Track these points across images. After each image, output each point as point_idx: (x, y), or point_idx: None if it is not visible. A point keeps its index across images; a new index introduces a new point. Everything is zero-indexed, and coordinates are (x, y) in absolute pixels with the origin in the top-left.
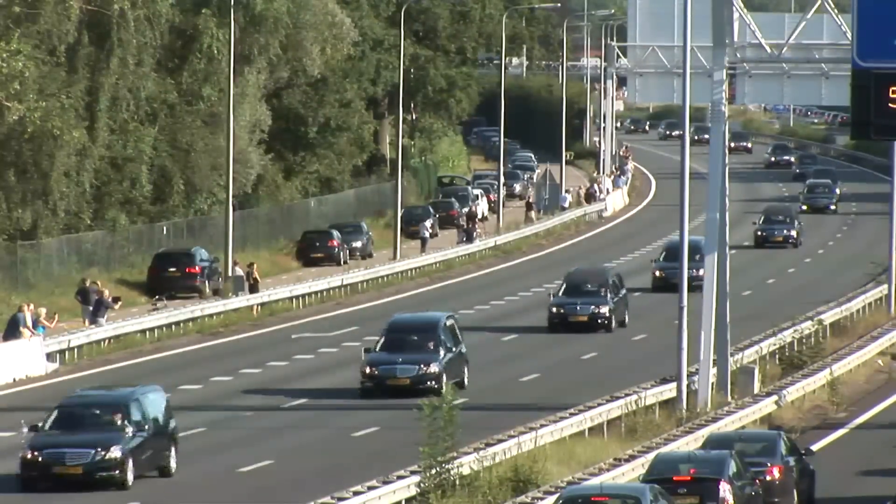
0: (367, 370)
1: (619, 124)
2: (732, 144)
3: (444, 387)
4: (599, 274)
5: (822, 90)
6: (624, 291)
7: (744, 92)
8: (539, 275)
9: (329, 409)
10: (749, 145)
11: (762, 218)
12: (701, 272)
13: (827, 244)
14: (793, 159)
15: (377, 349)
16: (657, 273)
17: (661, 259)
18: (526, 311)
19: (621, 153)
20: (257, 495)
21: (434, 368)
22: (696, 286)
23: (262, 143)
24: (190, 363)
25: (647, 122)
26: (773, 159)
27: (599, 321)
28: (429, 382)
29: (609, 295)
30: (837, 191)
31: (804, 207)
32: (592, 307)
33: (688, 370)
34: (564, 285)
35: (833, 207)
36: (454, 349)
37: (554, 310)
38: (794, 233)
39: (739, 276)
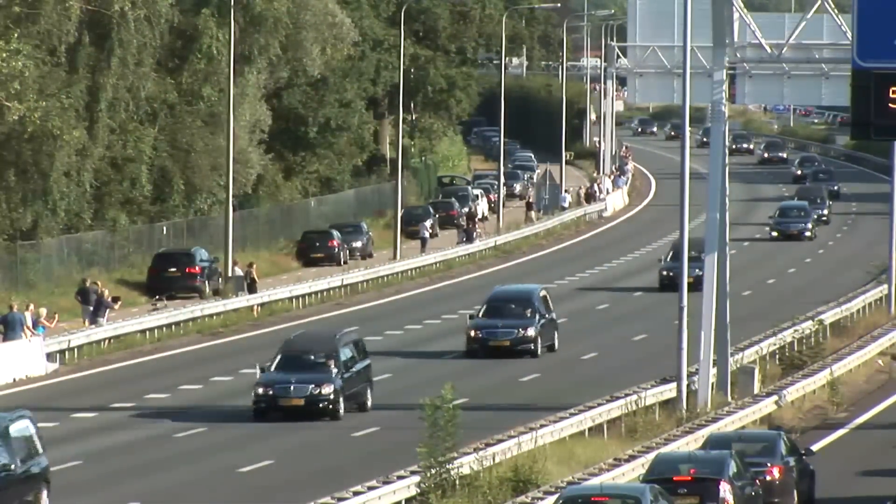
0: None
1: (654, 128)
2: (772, 154)
3: None
4: (326, 342)
5: (822, 90)
6: (366, 363)
7: (744, 92)
8: (539, 275)
9: None
10: (784, 155)
11: (670, 254)
12: (529, 332)
13: (827, 244)
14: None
15: None
16: (472, 333)
17: (478, 315)
18: None
19: (621, 153)
20: (257, 495)
21: None
22: (522, 350)
23: (262, 143)
24: (190, 363)
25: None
26: (798, 172)
27: (321, 405)
28: None
29: (335, 370)
30: (822, 212)
31: (774, 234)
32: (312, 386)
33: (688, 370)
34: (279, 357)
35: (808, 234)
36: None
37: (261, 391)
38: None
39: (740, 277)
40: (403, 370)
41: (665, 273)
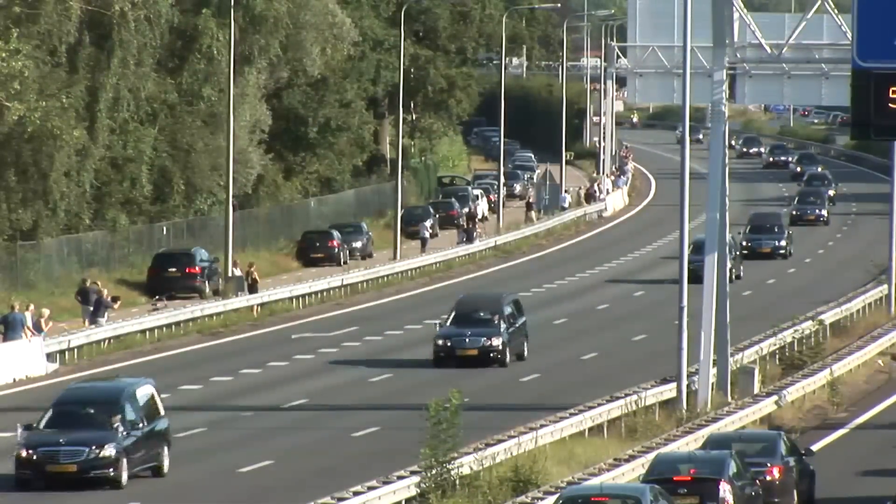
0: None
1: (732, 142)
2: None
3: None
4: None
5: (822, 90)
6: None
7: (744, 92)
8: (539, 275)
9: (329, 409)
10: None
11: (451, 316)
12: (107, 451)
13: (827, 244)
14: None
15: None
16: (24, 454)
17: (38, 424)
18: (526, 311)
19: (621, 153)
20: (257, 495)
21: None
22: (96, 478)
23: (262, 143)
24: (190, 363)
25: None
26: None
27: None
28: None
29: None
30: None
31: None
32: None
33: (688, 370)
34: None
35: (737, 277)
36: None
37: (440, 342)
38: (498, 343)
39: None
40: (403, 370)
41: (441, 343)
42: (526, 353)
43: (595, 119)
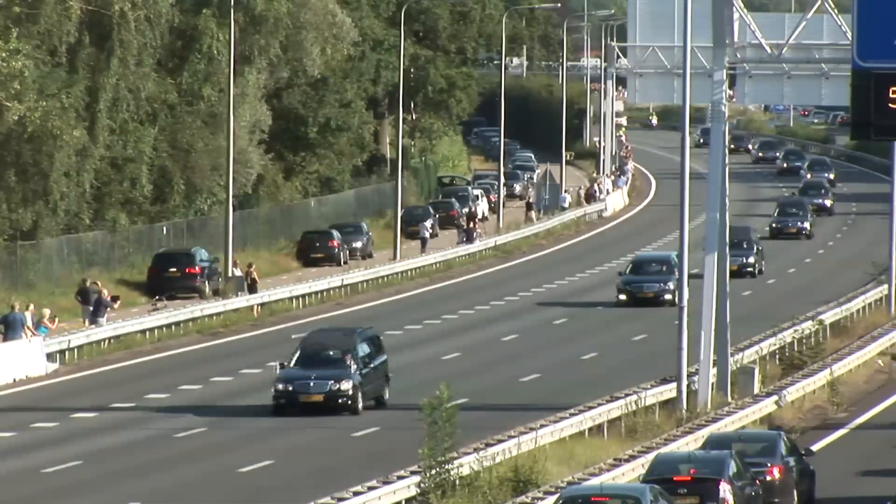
0: None
1: (749, 146)
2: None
3: None
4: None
5: (822, 90)
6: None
7: (744, 92)
8: (539, 275)
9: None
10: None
11: (295, 354)
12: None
13: (826, 244)
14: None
15: None
16: None
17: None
18: (525, 311)
19: (621, 153)
20: (257, 495)
21: None
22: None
23: (262, 143)
24: (190, 363)
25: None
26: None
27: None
28: None
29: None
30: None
31: (622, 297)
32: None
33: (688, 370)
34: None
35: (668, 297)
36: None
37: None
38: (348, 387)
39: (739, 277)
40: (403, 370)
41: (282, 387)
42: (387, 396)
43: (617, 121)
